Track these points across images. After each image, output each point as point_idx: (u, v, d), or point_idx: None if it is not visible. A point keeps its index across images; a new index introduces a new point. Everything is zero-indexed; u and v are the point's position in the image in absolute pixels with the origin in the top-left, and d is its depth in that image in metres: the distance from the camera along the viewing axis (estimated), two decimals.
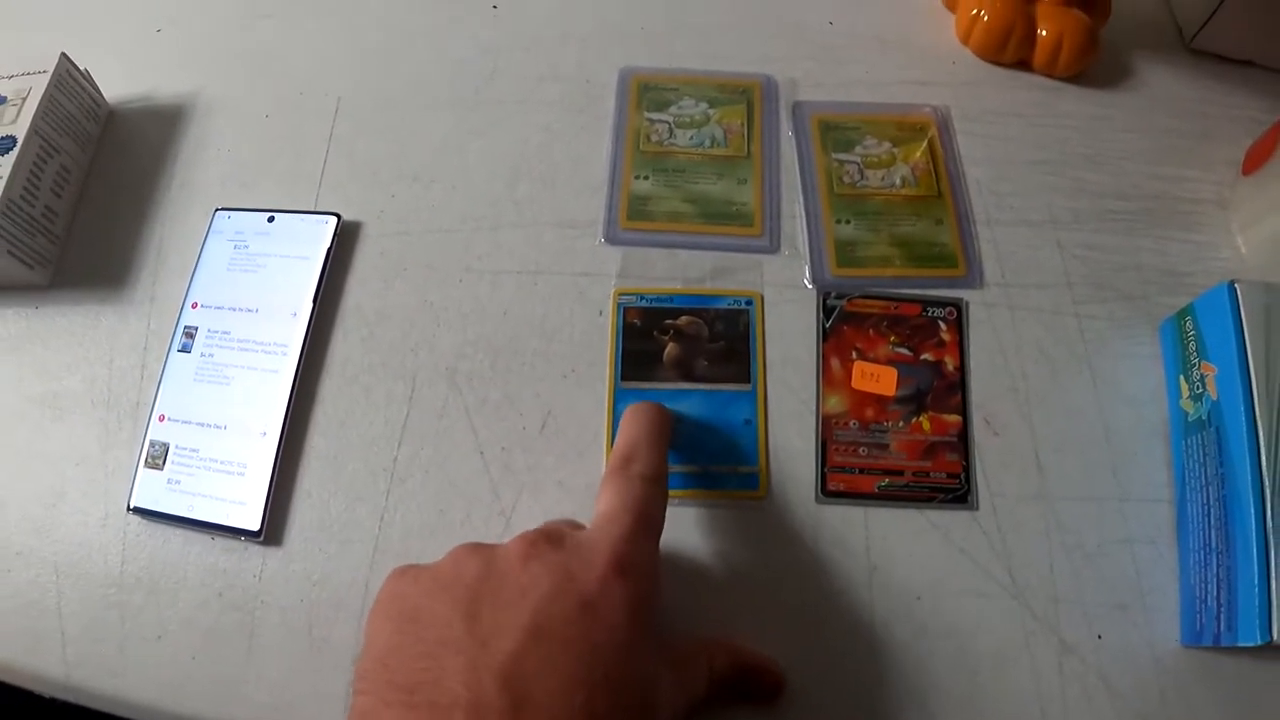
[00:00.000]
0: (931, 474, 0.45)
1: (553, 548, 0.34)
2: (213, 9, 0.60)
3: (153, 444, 0.46)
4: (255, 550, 0.44)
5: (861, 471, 0.45)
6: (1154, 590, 0.43)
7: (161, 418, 0.47)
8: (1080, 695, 0.41)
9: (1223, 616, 0.40)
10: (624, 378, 0.46)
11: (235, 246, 0.50)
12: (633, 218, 0.51)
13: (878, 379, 0.47)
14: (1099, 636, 0.42)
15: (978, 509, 0.44)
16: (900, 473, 0.45)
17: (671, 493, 0.42)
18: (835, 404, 0.46)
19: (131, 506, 0.45)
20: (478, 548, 0.34)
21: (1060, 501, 0.45)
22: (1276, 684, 0.41)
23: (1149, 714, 0.41)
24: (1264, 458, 0.40)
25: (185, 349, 0.48)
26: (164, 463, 0.46)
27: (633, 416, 0.41)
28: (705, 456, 0.45)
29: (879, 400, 0.46)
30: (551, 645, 0.30)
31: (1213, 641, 0.40)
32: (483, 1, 0.60)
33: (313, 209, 0.51)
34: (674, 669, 0.35)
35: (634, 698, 0.31)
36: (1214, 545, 0.42)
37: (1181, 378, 0.46)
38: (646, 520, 0.36)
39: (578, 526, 0.38)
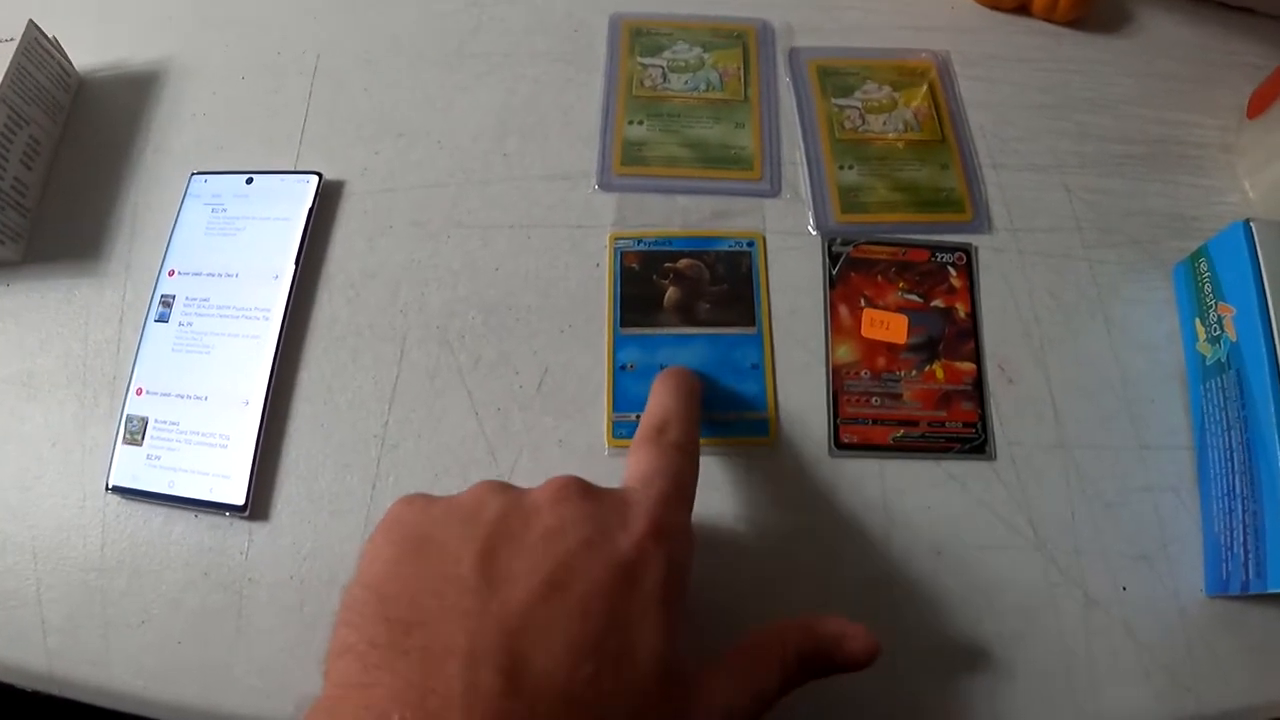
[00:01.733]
0: (947, 423, 0.42)
1: (587, 499, 0.30)
2: None
3: (130, 419, 0.42)
4: (241, 526, 0.41)
5: (875, 423, 0.42)
6: (1177, 539, 0.41)
7: (139, 391, 0.43)
8: (1106, 648, 0.39)
9: (1250, 563, 0.38)
10: (624, 324, 0.43)
11: (213, 210, 0.46)
12: (627, 163, 0.47)
13: (888, 326, 0.44)
14: (1124, 589, 0.40)
15: (996, 459, 0.42)
16: (915, 423, 0.42)
17: None
18: (845, 353, 0.43)
19: (110, 486, 0.41)
20: (504, 486, 0.30)
21: (1079, 450, 0.42)
22: None
23: (1175, 665, 0.39)
24: None
25: (163, 319, 0.44)
26: (143, 438, 0.42)
27: (665, 383, 0.38)
28: (712, 403, 0.42)
29: (890, 348, 0.43)
30: (568, 603, 0.26)
31: (1240, 589, 0.38)
32: None
33: (293, 169, 0.48)
34: (730, 673, 0.31)
35: (652, 684, 0.27)
36: (1239, 491, 0.39)
37: (1197, 320, 0.44)
38: (681, 491, 0.33)
39: None
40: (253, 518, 0.41)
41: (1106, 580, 0.40)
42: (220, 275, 0.45)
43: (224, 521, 0.41)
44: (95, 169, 0.49)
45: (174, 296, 0.45)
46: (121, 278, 0.46)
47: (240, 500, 0.40)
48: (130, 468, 0.41)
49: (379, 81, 0.51)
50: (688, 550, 0.31)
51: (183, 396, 0.43)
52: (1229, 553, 0.39)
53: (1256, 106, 0.51)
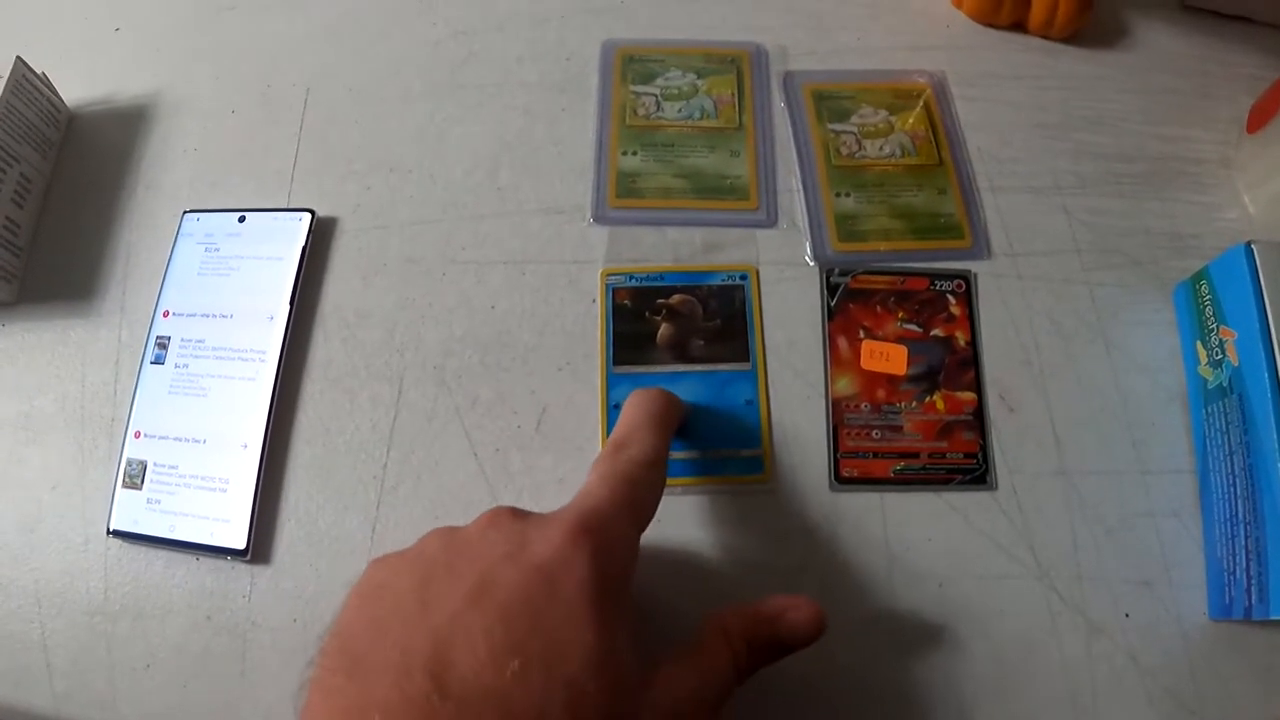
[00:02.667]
0: (948, 454, 0.42)
1: (515, 518, 0.31)
2: (172, 4, 0.56)
3: (130, 463, 0.43)
4: (243, 569, 0.41)
5: (875, 455, 0.42)
6: (1179, 564, 0.41)
7: (138, 434, 0.43)
8: (1109, 675, 0.39)
9: (1253, 589, 0.38)
10: (616, 362, 0.43)
11: (206, 249, 0.46)
12: (622, 195, 0.47)
13: (887, 358, 0.44)
14: (1126, 615, 0.40)
15: (997, 488, 0.42)
16: (916, 455, 0.42)
17: (671, 480, 0.39)
18: (844, 386, 0.43)
19: (111, 530, 0.41)
20: (448, 529, 0.32)
21: (1080, 476, 0.42)
22: None
23: (1179, 690, 0.39)
24: None
25: (159, 360, 0.44)
26: (142, 482, 0.42)
27: (633, 402, 0.38)
28: (705, 440, 0.42)
29: (890, 380, 0.43)
30: (489, 609, 0.28)
31: (1244, 615, 0.38)
32: None
33: (285, 206, 0.48)
34: (681, 667, 0.31)
35: (588, 679, 0.27)
36: (1241, 516, 0.39)
37: (1199, 343, 0.44)
38: (628, 500, 0.33)
39: None
40: (254, 561, 0.41)
41: (1109, 607, 0.40)
42: (215, 316, 0.45)
43: (225, 565, 0.41)
44: (87, 207, 0.49)
45: (169, 338, 0.45)
46: (116, 318, 0.46)
47: (241, 544, 0.40)
48: (131, 512, 0.42)
49: (370, 114, 0.51)
50: (620, 554, 0.31)
51: (181, 440, 0.43)
52: (1232, 578, 0.39)
53: (1256, 121, 0.50)
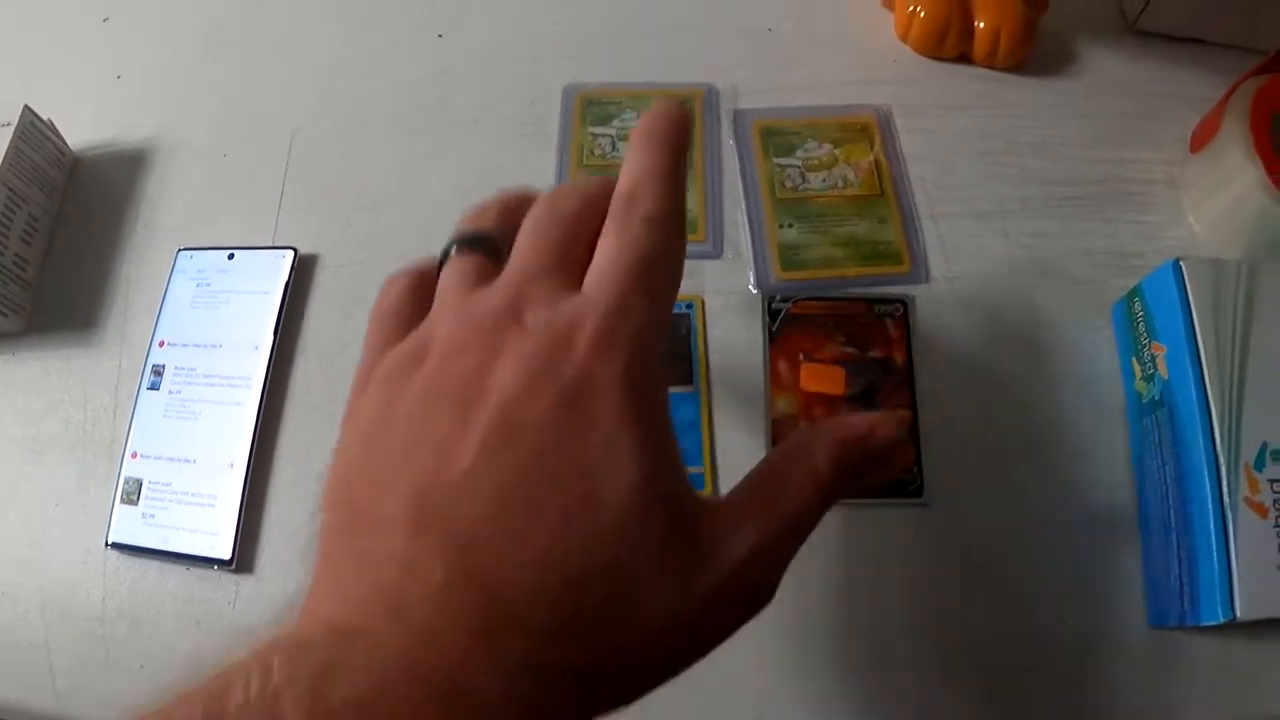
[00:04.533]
0: None
1: (542, 305, 0.27)
2: (169, 53, 0.62)
3: (127, 480, 0.48)
4: (229, 579, 0.45)
5: None
6: (1117, 573, 0.44)
7: (134, 455, 0.48)
8: (1049, 682, 0.42)
9: (1186, 597, 0.41)
10: None
11: (198, 285, 0.52)
12: None
13: (826, 379, 0.48)
14: (1065, 622, 0.43)
15: (932, 502, 0.45)
16: None
17: None
18: (784, 406, 0.47)
19: (110, 542, 0.46)
20: (460, 296, 0.29)
21: (1017, 489, 0.45)
22: (1245, 659, 0.42)
23: (1121, 693, 0.42)
24: (1218, 436, 0.40)
25: (154, 386, 0.50)
26: (138, 498, 0.47)
27: (642, 136, 0.31)
28: None
29: (828, 400, 0.47)
30: (513, 462, 0.24)
31: (1178, 621, 0.41)
32: (429, 31, 0.61)
33: (271, 243, 0.53)
34: (753, 498, 0.27)
35: (635, 520, 0.24)
36: (1173, 525, 0.42)
37: (1134, 359, 0.47)
38: (646, 278, 0.27)
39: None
40: (239, 571, 0.45)
41: (1048, 616, 0.43)
42: (206, 346, 0.50)
43: (213, 574, 0.46)
44: (90, 244, 0.55)
45: (164, 366, 0.50)
46: (116, 348, 0.51)
47: (227, 555, 0.45)
48: (128, 526, 0.47)
49: (351, 153, 0.56)
50: (651, 352, 0.27)
51: (173, 460, 0.48)
52: (1167, 586, 0.42)
53: (1199, 140, 0.54)
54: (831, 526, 0.45)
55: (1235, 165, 0.50)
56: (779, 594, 0.27)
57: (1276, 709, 0.42)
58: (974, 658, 0.43)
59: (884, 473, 0.30)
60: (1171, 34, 0.58)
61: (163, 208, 0.56)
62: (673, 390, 0.48)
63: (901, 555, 0.44)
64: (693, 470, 0.46)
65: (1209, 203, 0.52)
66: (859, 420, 0.29)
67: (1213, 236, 0.52)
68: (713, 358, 0.49)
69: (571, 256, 0.29)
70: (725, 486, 0.44)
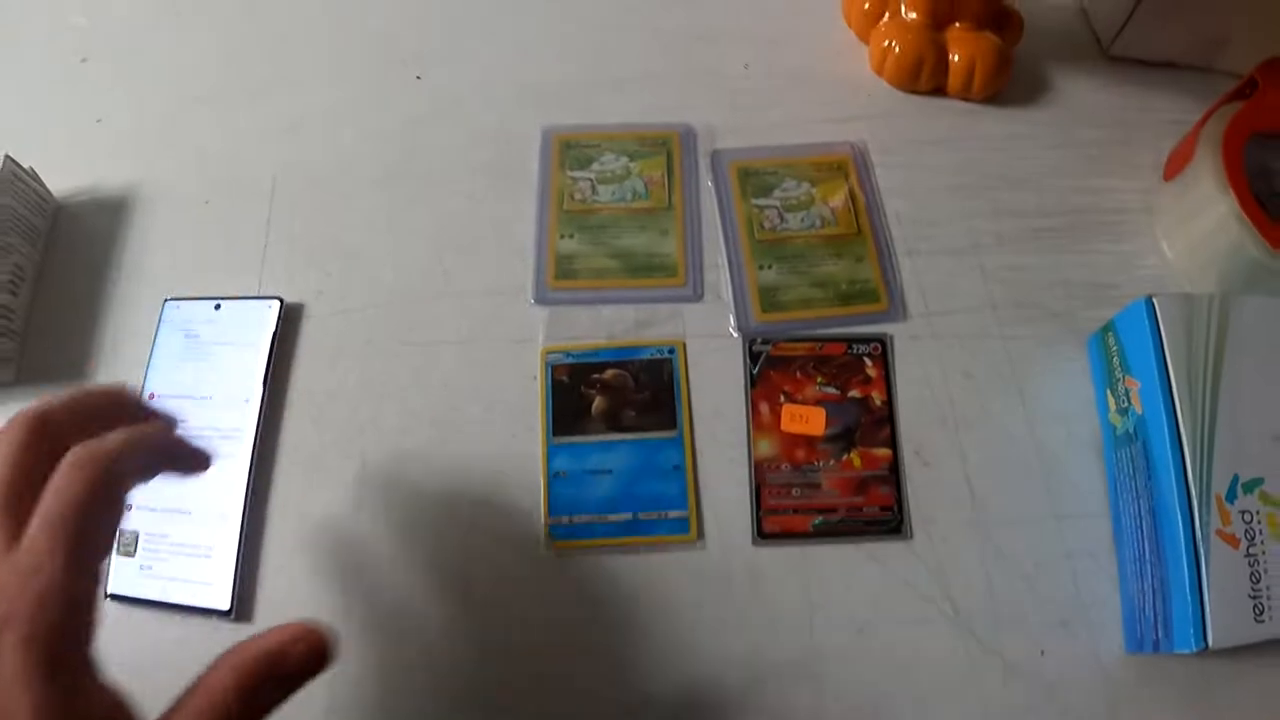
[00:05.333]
0: (865, 508, 0.48)
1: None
2: (148, 97, 0.63)
3: (123, 533, 0.49)
4: (227, 628, 0.47)
5: (795, 512, 0.47)
6: (1096, 603, 0.46)
7: (130, 506, 0.49)
8: (1027, 712, 0.44)
9: (1159, 625, 0.43)
10: (556, 433, 0.49)
11: (186, 335, 0.53)
12: (560, 277, 0.53)
13: (806, 420, 0.49)
14: (1042, 653, 0.45)
15: (912, 538, 0.47)
16: (834, 510, 0.48)
17: (604, 540, 0.46)
18: (766, 448, 0.49)
19: (108, 593, 0.48)
20: None
21: (995, 524, 0.47)
22: (1222, 683, 0.44)
23: None
24: (1189, 470, 0.42)
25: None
26: (135, 550, 0.49)
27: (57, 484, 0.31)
28: (635, 503, 0.48)
29: (809, 440, 0.49)
30: None
31: (1153, 649, 0.43)
32: (407, 72, 0.62)
33: (257, 293, 0.54)
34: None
35: None
36: (1147, 556, 0.44)
37: (1109, 392, 0.49)
38: (42, 645, 0.28)
39: None
40: (238, 620, 0.47)
41: (1026, 647, 0.45)
42: (196, 399, 0.51)
43: (211, 624, 0.47)
44: (76, 293, 0.55)
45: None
46: None
47: (225, 605, 0.47)
48: (126, 577, 0.48)
49: (329, 202, 0.57)
50: (62, 611, 0.28)
51: (169, 511, 0.49)
52: (1142, 614, 0.44)
53: (1172, 168, 0.55)
54: (820, 560, 0.47)
55: (1208, 195, 0.51)
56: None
57: None
58: (951, 694, 0.44)
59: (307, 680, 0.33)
60: (1145, 59, 0.59)
61: (146, 255, 0.56)
62: (658, 435, 0.49)
63: (882, 591, 0.46)
64: (679, 514, 0.48)
65: (1182, 231, 0.53)
66: (271, 639, 0.32)
67: (1187, 265, 0.53)
68: (695, 401, 0.50)
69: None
70: (710, 529, 0.47)
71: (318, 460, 0.50)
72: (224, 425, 0.50)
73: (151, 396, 0.52)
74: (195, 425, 0.50)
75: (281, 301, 0.53)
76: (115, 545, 0.48)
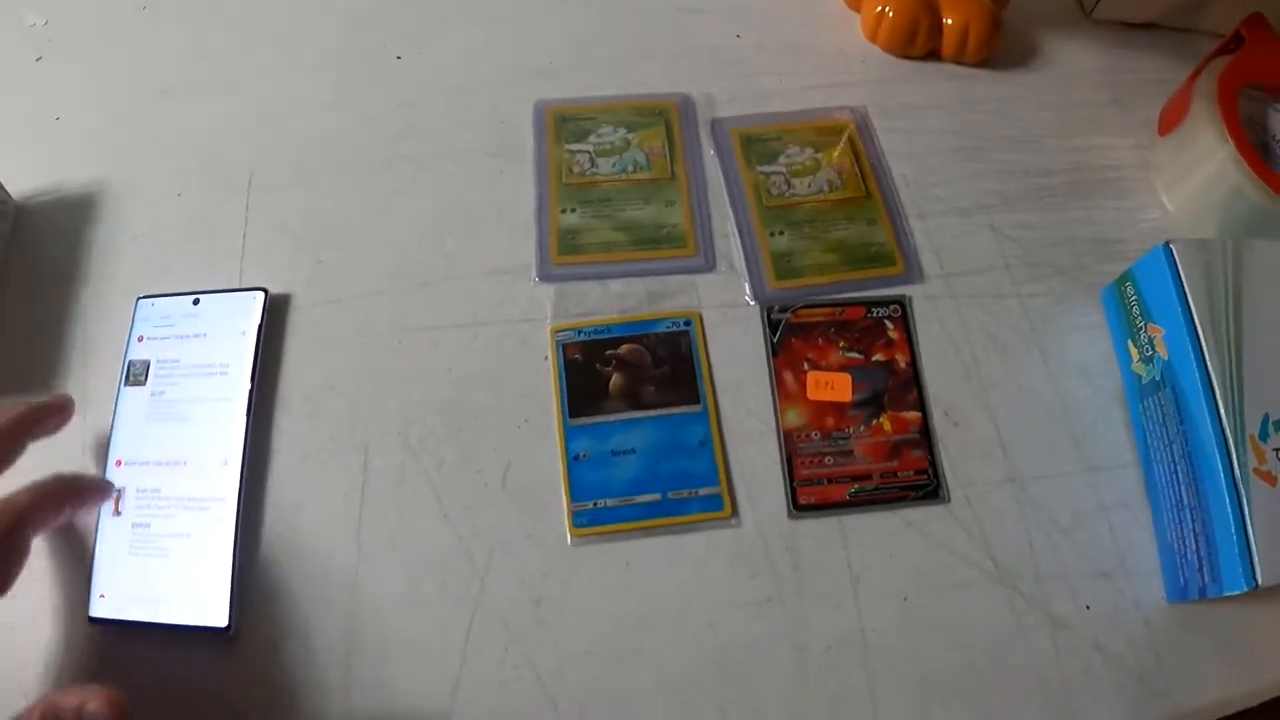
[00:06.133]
0: (899, 473, 0.47)
1: None
2: (109, 90, 0.60)
3: (122, 493, 0.46)
4: (226, 648, 0.43)
5: (830, 481, 0.46)
6: (1133, 553, 0.46)
7: (119, 462, 0.47)
8: (1077, 667, 0.43)
9: (1205, 570, 0.43)
10: (572, 414, 0.48)
11: (160, 338, 0.50)
12: (564, 252, 0.52)
13: (832, 386, 0.48)
14: (1087, 607, 0.45)
15: (950, 501, 0.47)
16: (868, 476, 0.47)
17: (636, 524, 0.45)
18: (794, 417, 0.48)
19: (90, 616, 0.44)
20: None
21: (1029, 481, 0.47)
22: (1264, 624, 0.45)
23: (1146, 674, 0.43)
24: (1222, 409, 0.42)
25: (139, 387, 0.48)
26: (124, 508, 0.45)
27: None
28: (664, 483, 0.46)
29: (837, 407, 0.48)
30: None
31: (1199, 595, 0.43)
32: (386, 54, 0.61)
33: (238, 286, 0.51)
34: None
35: None
36: (1186, 501, 0.44)
37: (1130, 342, 0.49)
38: None
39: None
40: (236, 640, 0.43)
41: (1070, 602, 0.45)
42: (174, 419, 0.48)
43: (208, 642, 0.43)
44: (43, 297, 0.52)
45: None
46: (80, 406, 0.48)
47: (224, 622, 0.43)
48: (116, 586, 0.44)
49: (314, 190, 0.55)
50: None
51: (163, 463, 0.46)
52: (1184, 561, 0.44)
53: (1167, 124, 0.56)
54: (859, 529, 0.46)
55: (1206, 146, 0.52)
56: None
57: None
58: (1001, 654, 0.44)
59: None
60: (1127, 20, 0.61)
61: (115, 256, 0.53)
62: (681, 411, 0.48)
63: (923, 557, 0.45)
64: (710, 491, 0.46)
65: (1182, 184, 0.55)
66: (71, 697, 0.37)
67: (1187, 215, 0.55)
68: (717, 373, 0.49)
69: None
70: (744, 504, 0.46)
71: (317, 458, 0.47)
72: (207, 434, 0.47)
73: (119, 463, 0.48)
74: (175, 452, 0.47)
75: (266, 292, 0.50)
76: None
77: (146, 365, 0.49)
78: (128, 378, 0.49)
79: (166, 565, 0.45)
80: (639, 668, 0.43)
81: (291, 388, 0.49)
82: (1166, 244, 0.46)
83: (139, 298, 0.51)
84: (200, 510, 0.46)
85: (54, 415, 0.45)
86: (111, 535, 0.46)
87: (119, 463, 0.47)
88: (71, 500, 0.43)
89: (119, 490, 0.46)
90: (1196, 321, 0.44)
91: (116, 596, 0.45)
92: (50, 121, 0.59)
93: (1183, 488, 0.44)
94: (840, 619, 0.44)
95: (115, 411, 0.48)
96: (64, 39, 0.63)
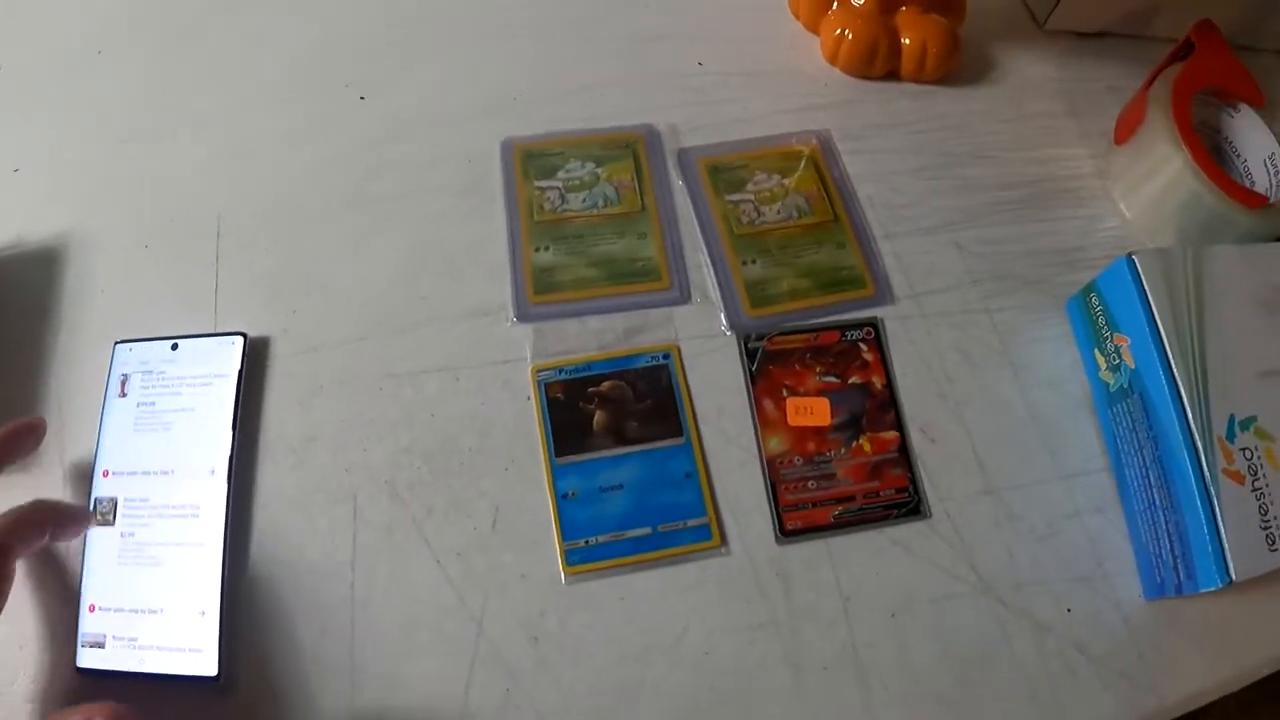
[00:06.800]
0: (881, 493, 0.48)
1: None
2: (70, 140, 0.60)
3: (102, 505, 0.46)
4: (218, 699, 0.44)
5: (814, 505, 0.48)
6: (1110, 555, 0.48)
7: (106, 472, 0.47)
8: (1063, 669, 0.45)
9: (1180, 568, 0.45)
10: (558, 453, 0.49)
11: (142, 388, 0.49)
12: (540, 291, 0.53)
13: (812, 411, 0.50)
14: (1068, 610, 0.46)
15: (931, 516, 0.48)
16: (852, 498, 0.48)
17: (627, 558, 0.46)
18: (776, 444, 0.49)
19: (79, 667, 0.44)
20: None
21: (1006, 492, 0.49)
22: (1240, 613, 0.47)
23: (1130, 671, 0.45)
24: (1190, 415, 0.44)
25: (107, 524, 0.48)
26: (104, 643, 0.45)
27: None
28: (653, 516, 0.47)
29: (817, 432, 0.50)
30: None
31: (1175, 592, 0.45)
32: (349, 94, 0.61)
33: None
34: None
35: None
36: (1158, 503, 0.46)
37: (1096, 351, 0.51)
38: None
39: None
40: (228, 690, 0.44)
41: (1051, 607, 0.46)
42: (154, 473, 0.48)
43: (199, 692, 0.43)
44: (11, 355, 0.52)
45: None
46: (57, 470, 0.49)
47: (213, 671, 0.43)
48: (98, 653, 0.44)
49: (285, 235, 0.55)
50: None
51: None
52: (1160, 560, 0.46)
53: (1122, 132, 0.58)
54: (846, 550, 0.47)
55: (1162, 154, 0.54)
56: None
57: (1276, 652, 0.46)
58: (989, 662, 0.45)
59: None
60: (1080, 30, 0.63)
61: (84, 309, 0.53)
62: (665, 444, 0.49)
63: (909, 573, 0.47)
64: (698, 522, 0.47)
65: (1139, 191, 0.57)
66: (76, 712, 0.38)
67: (1145, 223, 0.57)
68: (698, 405, 0.50)
69: None
70: (732, 533, 0.47)
71: (305, 509, 0.48)
72: (187, 493, 0.47)
73: (105, 474, 0.48)
74: (156, 503, 0.47)
75: (245, 337, 0.50)
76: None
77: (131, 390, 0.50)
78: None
79: (157, 621, 0.45)
80: (641, 699, 0.44)
81: (275, 438, 0.49)
82: (1129, 256, 0.48)
83: (116, 342, 0.51)
84: (188, 560, 0.46)
85: (27, 436, 0.46)
86: (100, 578, 0.46)
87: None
88: (54, 524, 0.44)
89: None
90: (1161, 331, 0.46)
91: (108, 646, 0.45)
92: (9, 174, 0.58)
93: (1155, 490, 0.46)
94: (833, 638, 0.45)
95: (100, 429, 0.49)
96: (18, 87, 0.62)
